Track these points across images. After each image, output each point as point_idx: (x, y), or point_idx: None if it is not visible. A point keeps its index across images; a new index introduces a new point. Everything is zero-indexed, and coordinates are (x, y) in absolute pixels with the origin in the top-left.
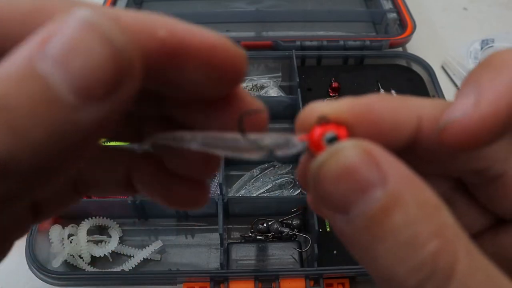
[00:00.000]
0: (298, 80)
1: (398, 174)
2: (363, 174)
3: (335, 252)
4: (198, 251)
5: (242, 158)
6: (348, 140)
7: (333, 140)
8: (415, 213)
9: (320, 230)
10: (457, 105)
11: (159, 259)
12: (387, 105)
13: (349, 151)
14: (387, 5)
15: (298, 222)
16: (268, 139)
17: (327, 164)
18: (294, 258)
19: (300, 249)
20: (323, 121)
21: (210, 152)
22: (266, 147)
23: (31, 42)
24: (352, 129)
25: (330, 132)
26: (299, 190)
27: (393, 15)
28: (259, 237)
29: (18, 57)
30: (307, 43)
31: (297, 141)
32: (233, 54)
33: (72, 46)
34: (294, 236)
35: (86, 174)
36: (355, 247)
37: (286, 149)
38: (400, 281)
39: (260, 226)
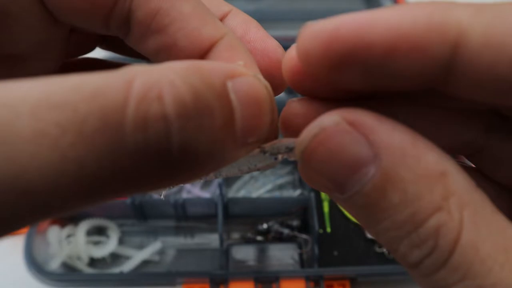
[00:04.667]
0: None
1: (391, 147)
2: (351, 151)
3: (335, 253)
4: (198, 252)
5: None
6: (329, 113)
7: None
8: (413, 190)
9: (321, 230)
10: None
11: (158, 260)
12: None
13: (332, 128)
14: (388, 4)
15: (298, 222)
16: (283, 147)
17: (309, 147)
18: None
19: (300, 249)
20: None
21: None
22: (281, 156)
23: (222, 67)
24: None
25: None
26: (299, 191)
27: None
28: (259, 238)
29: (215, 72)
30: None
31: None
32: None
33: (255, 96)
34: (294, 237)
35: None
36: (357, 219)
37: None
38: (400, 256)
39: (260, 227)
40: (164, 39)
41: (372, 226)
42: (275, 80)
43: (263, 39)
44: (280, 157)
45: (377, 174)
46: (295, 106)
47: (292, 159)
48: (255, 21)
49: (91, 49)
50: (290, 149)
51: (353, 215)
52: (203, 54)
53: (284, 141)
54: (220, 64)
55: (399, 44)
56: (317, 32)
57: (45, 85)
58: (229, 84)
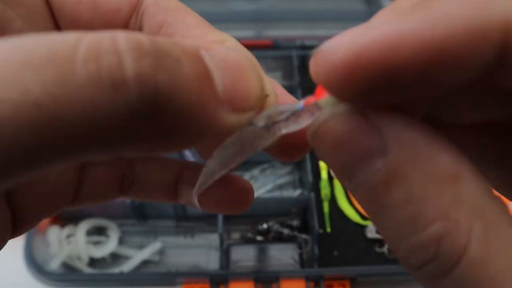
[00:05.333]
0: (298, 79)
1: (401, 142)
2: (360, 142)
3: (335, 253)
4: (198, 252)
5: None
6: (343, 103)
7: None
8: (419, 190)
9: (321, 230)
10: None
11: (158, 260)
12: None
13: (343, 116)
14: (388, 4)
15: (298, 222)
16: (283, 107)
17: (318, 134)
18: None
19: (300, 249)
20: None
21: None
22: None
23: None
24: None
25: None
26: (299, 191)
27: None
28: (259, 238)
29: (187, 43)
30: (307, 42)
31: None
32: None
33: (235, 64)
34: (294, 237)
35: (138, 171)
36: (364, 210)
37: (300, 120)
38: (401, 256)
39: (260, 227)
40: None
41: (376, 220)
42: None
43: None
44: (276, 129)
45: (383, 167)
46: None
47: (291, 130)
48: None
49: None
50: (285, 116)
51: (360, 205)
52: (128, 15)
53: (278, 107)
54: (192, 41)
55: (436, 59)
56: (333, 61)
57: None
58: (203, 52)
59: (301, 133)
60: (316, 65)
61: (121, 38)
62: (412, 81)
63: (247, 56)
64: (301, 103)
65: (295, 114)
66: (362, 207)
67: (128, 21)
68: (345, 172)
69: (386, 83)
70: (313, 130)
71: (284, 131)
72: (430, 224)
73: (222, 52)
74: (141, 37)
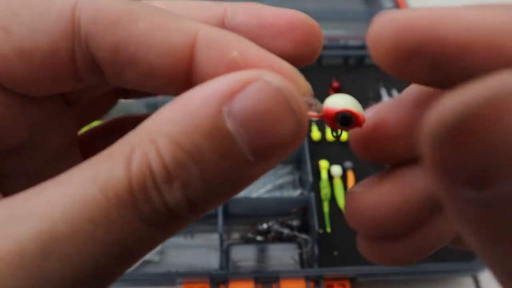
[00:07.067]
0: None
1: None
2: None
3: (335, 253)
4: (198, 252)
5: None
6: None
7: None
8: None
9: (321, 230)
10: None
11: (158, 260)
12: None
13: (504, 97)
14: (388, 4)
15: (298, 222)
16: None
17: (469, 122)
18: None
19: (300, 249)
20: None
21: None
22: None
23: (217, 91)
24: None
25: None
26: (299, 191)
27: None
28: (259, 238)
29: (206, 107)
30: None
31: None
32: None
33: (263, 112)
34: (294, 237)
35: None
36: (480, 236)
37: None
38: None
39: (260, 227)
40: (139, 67)
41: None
42: (301, 46)
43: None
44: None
45: None
46: (361, 197)
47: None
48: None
49: (107, 107)
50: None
51: (473, 228)
52: (186, 62)
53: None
54: (214, 85)
55: (474, 45)
56: (391, 20)
57: (65, 190)
58: (225, 110)
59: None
60: (377, 21)
61: (156, 167)
62: (450, 57)
63: (279, 89)
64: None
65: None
66: (482, 229)
67: (72, 55)
68: (487, 172)
69: (426, 52)
70: (452, 121)
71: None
72: None
73: (247, 101)
74: (167, 161)
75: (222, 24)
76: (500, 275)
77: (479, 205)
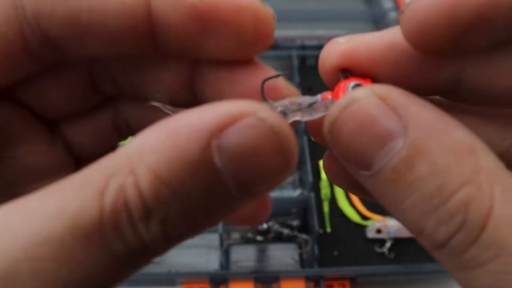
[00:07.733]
0: (298, 79)
1: (419, 120)
2: (381, 124)
3: (335, 253)
4: (198, 252)
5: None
6: (360, 88)
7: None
8: (442, 162)
9: (321, 230)
10: None
11: (158, 260)
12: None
13: (363, 101)
14: (388, 4)
15: (298, 222)
16: (301, 99)
17: (340, 118)
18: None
19: (300, 249)
20: (347, 74)
21: None
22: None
23: (206, 123)
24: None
25: (353, 81)
26: (299, 191)
27: (394, 14)
28: (259, 238)
29: (194, 140)
30: (307, 42)
31: (322, 98)
32: (261, 14)
33: (254, 149)
34: (294, 237)
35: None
36: (383, 201)
37: (314, 112)
38: (428, 234)
39: (260, 227)
40: (99, 36)
41: (399, 204)
42: (250, 33)
43: None
44: (290, 117)
45: (404, 147)
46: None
47: (304, 119)
48: None
49: None
50: (301, 106)
51: (378, 196)
52: (145, 17)
53: (296, 98)
54: (203, 116)
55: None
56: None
57: (31, 222)
58: (214, 144)
59: (262, 201)
60: (416, 5)
61: (132, 205)
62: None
63: (273, 128)
64: (318, 97)
65: (311, 107)
66: (382, 196)
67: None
68: (366, 158)
69: (484, 20)
70: (333, 117)
71: (297, 118)
72: (457, 191)
73: (237, 136)
74: (146, 195)
75: None
76: (409, 231)
77: (371, 179)
